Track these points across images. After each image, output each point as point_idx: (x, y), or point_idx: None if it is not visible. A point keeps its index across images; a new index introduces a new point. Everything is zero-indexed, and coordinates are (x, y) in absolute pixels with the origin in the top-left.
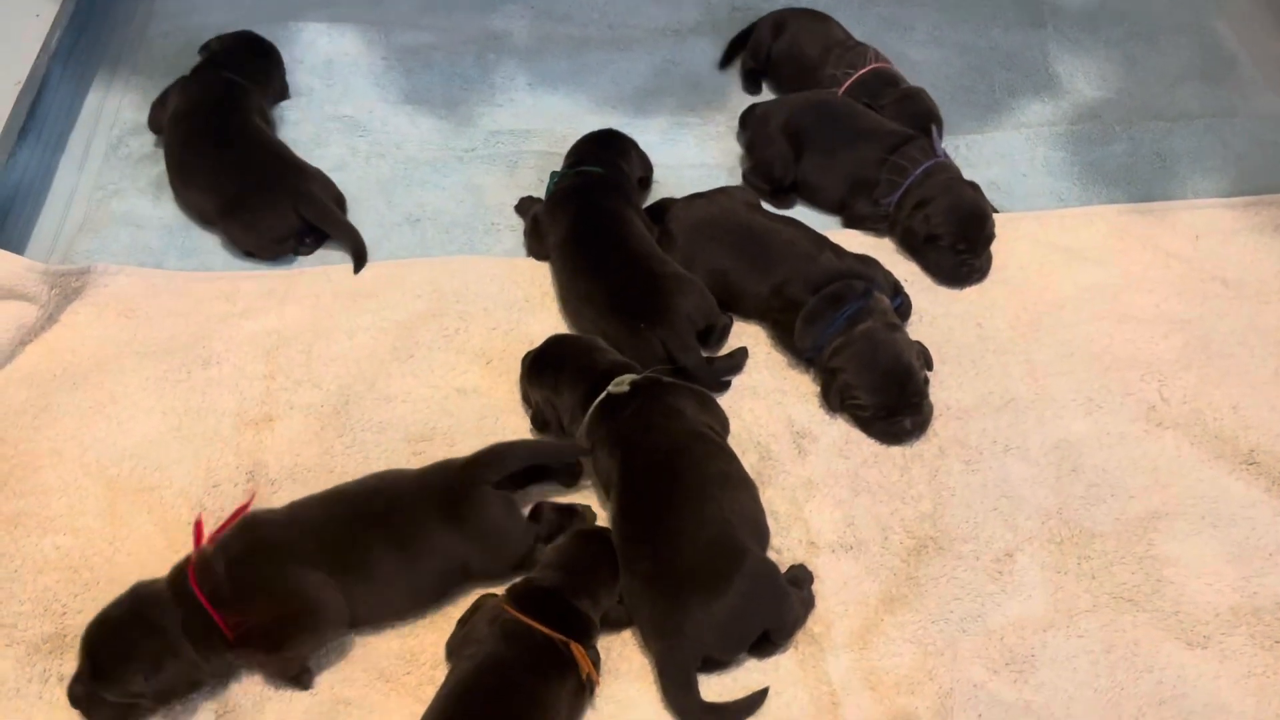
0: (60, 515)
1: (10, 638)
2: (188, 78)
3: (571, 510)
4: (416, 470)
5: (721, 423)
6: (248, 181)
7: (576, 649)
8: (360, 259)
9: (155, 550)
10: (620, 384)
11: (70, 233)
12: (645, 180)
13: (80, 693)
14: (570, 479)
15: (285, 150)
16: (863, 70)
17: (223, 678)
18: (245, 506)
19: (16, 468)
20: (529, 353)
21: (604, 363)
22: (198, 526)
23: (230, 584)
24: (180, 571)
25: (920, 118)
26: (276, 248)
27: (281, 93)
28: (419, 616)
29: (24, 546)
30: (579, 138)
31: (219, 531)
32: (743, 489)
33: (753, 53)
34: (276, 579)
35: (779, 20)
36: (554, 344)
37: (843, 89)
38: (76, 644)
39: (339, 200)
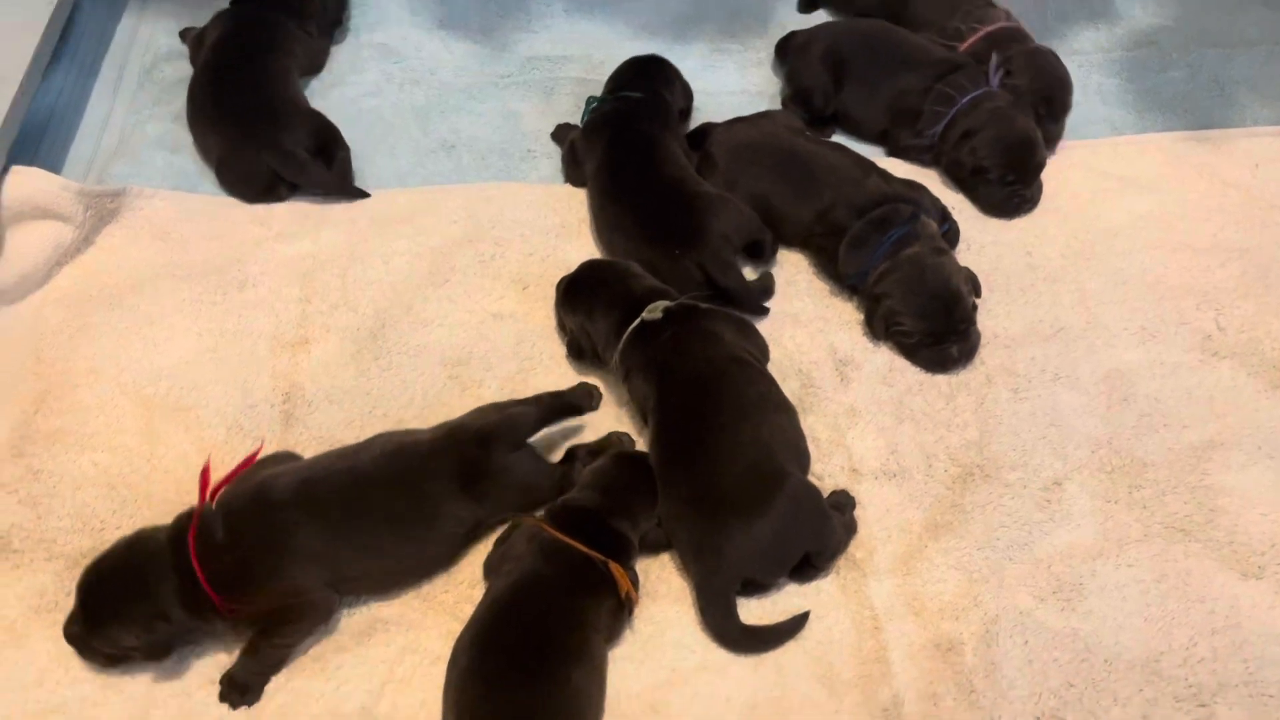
0: (98, 433)
1: (50, 552)
2: (224, 12)
3: (605, 445)
4: (427, 442)
5: (760, 348)
6: (229, 135)
7: (615, 568)
8: (350, 195)
9: (192, 468)
10: (654, 310)
11: (104, 158)
12: (685, 111)
13: (75, 633)
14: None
15: (282, 95)
16: (990, 27)
17: (219, 638)
18: (252, 458)
19: (54, 386)
20: (564, 278)
21: (639, 289)
22: (204, 475)
23: (232, 567)
24: (181, 534)
25: (1047, 79)
26: (264, 197)
27: (335, 18)
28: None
29: (62, 463)
30: (620, 62)
31: (224, 483)
32: (783, 413)
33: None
34: (277, 572)
35: None
36: (588, 270)
37: (965, 45)
38: None
39: (327, 144)
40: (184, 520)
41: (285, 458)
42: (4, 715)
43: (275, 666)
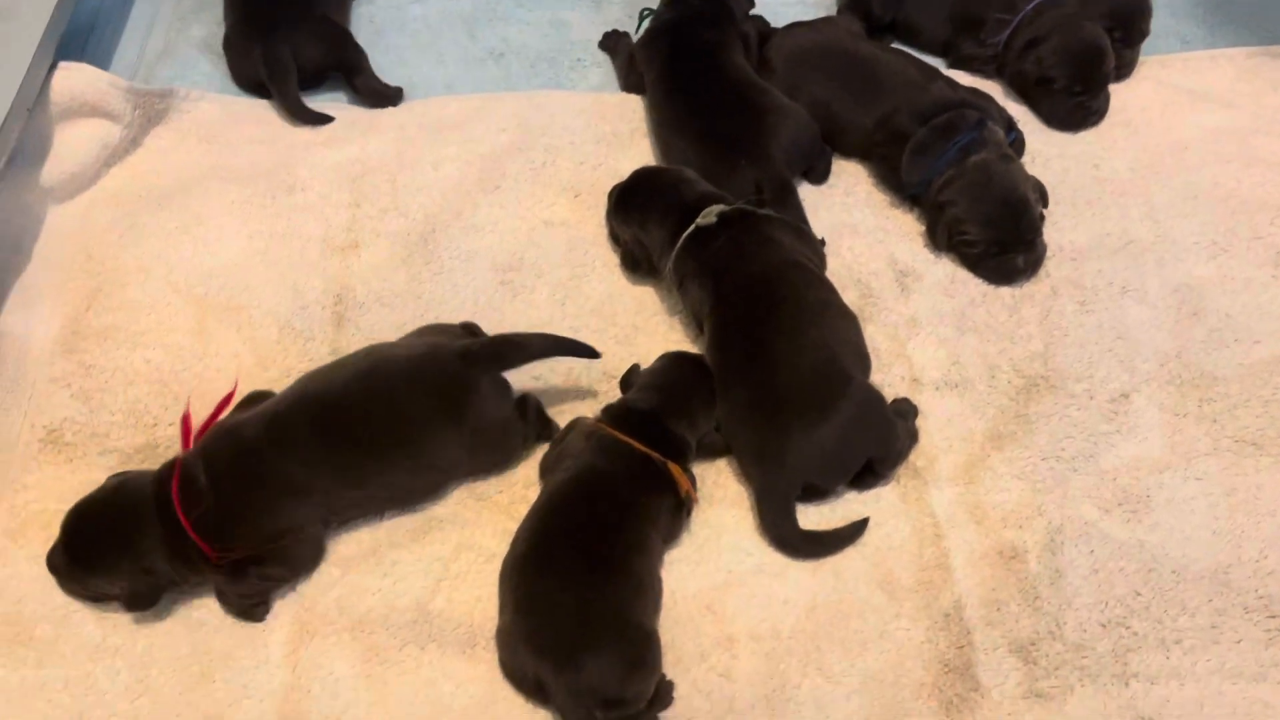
0: (149, 330)
1: (103, 446)
2: None
3: (593, 350)
4: (407, 358)
5: (818, 254)
6: (238, 16)
7: (674, 468)
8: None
9: (244, 367)
10: (708, 215)
11: (150, 60)
12: (745, 17)
13: (58, 564)
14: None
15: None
16: None
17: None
18: (228, 399)
19: (104, 284)
20: (615, 187)
21: (692, 195)
22: (185, 421)
23: (217, 514)
24: (164, 484)
25: (1119, 3)
26: (253, 90)
27: None
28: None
29: (114, 359)
30: None
31: (204, 428)
32: (844, 317)
33: None
34: (261, 514)
35: None
36: (640, 178)
37: None
38: (167, 454)
39: (332, 61)
40: (167, 469)
41: (262, 397)
42: (50, 605)
43: (250, 595)
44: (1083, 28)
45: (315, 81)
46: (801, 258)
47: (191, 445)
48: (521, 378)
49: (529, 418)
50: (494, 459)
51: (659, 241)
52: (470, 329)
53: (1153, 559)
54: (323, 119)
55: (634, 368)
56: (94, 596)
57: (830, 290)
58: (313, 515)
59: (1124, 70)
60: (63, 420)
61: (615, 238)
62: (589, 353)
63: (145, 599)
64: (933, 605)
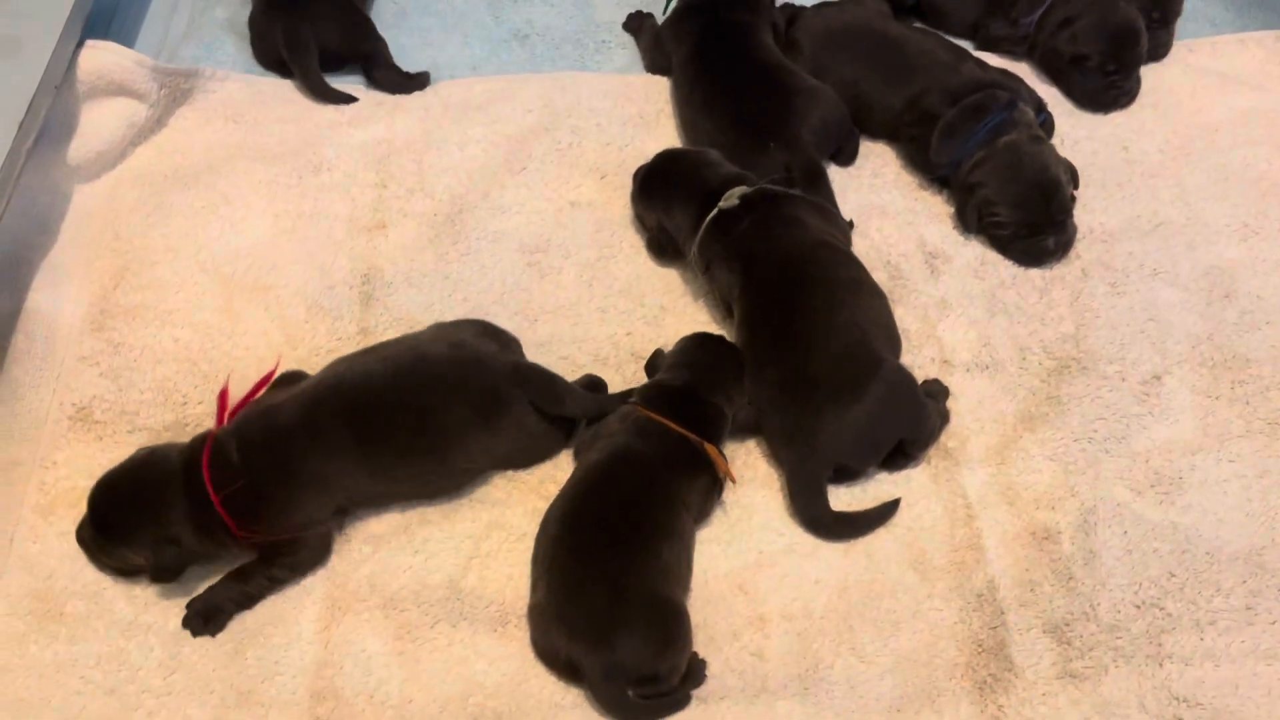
0: (178, 309)
1: (133, 424)
2: None
3: (593, 384)
4: (449, 362)
5: (844, 232)
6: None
7: (711, 449)
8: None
9: (273, 345)
10: (730, 198)
11: (175, 40)
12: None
13: (85, 537)
14: None
15: None
16: None
17: (233, 563)
18: (268, 378)
19: (132, 263)
20: (639, 169)
21: (715, 178)
22: (222, 396)
23: (246, 492)
24: (195, 457)
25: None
26: (274, 68)
27: None
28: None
29: (143, 337)
30: None
31: (240, 405)
32: (874, 296)
33: None
34: (289, 500)
35: None
36: (663, 161)
37: None
38: (197, 432)
39: (351, 47)
40: (198, 443)
41: (297, 377)
42: (82, 582)
43: (254, 599)
44: (1118, 6)
45: (337, 65)
46: (829, 237)
47: (225, 422)
48: (549, 357)
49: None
50: (531, 461)
51: (684, 226)
52: (490, 331)
53: (1186, 540)
54: (346, 98)
55: (657, 352)
56: (122, 569)
57: (860, 268)
58: (333, 505)
59: (1160, 50)
60: (92, 398)
61: (641, 220)
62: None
63: (170, 571)
64: (965, 586)
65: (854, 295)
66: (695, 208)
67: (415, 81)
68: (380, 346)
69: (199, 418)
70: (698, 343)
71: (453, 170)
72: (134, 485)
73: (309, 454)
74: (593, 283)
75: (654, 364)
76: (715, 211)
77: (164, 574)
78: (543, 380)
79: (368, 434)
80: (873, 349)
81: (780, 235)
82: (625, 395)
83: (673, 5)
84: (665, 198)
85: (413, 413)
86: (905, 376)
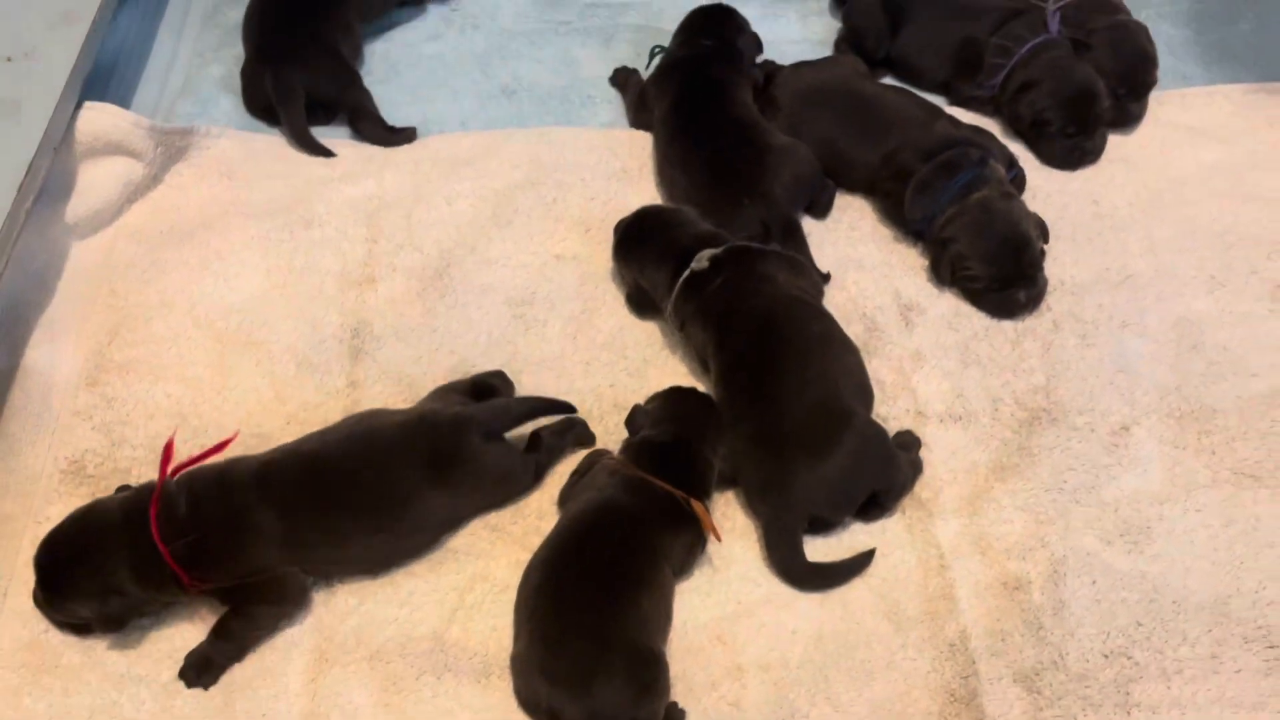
0: (170, 365)
1: (124, 479)
2: None
3: (569, 425)
4: (401, 425)
5: (815, 286)
6: (253, 45)
7: (698, 506)
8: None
9: (263, 401)
10: (700, 260)
11: (170, 98)
12: (754, 61)
13: (36, 596)
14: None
15: (319, 30)
16: None
17: (178, 611)
18: (226, 443)
19: (127, 318)
20: (619, 223)
21: (687, 238)
22: (167, 449)
23: (194, 543)
24: (139, 508)
25: (1128, 57)
26: (261, 115)
27: None
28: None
29: (136, 392)
30: (689, 10)
31: (190, 463)
32: (845, 350)
33: None
34: (238, 552)
35: None
36: (638, 220)
37: (1059, 3)
38: None
39: (338, 95)
40: (144, 494)
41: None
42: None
43: (243, 651)
44: (1074, 71)
45: (326, 115)
46: (799, 291)
47: (169, 475)
48: None
49: (543, 449)
50: (495, 504)
51: (659, 284)
52: (479, 385)
53: (1154, 589)
54: (326, 152)
55: (636, 409)
56: (73, 624)
57: (830, 323)
58: (288, 559)
59: (1128, 121)
60: (84, 452)
61: (621, 275)
62: (566, 408)
63: (116, 621)
64: (938, 635)
65: (824, 350)
66: (669, 267)
67: (400, 135)
68: (343, 420)
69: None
70: (679, 397)
71: (441, 224)
72: (74, 541)
73: (261, 509)
74: (577, 335)
75: (634, 420)
76: (687, 273)
77: (110, 624)
78: (488, 412)
79: (320, 494)
80: (844, 402)
81: (751, 293)
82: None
83: (656, 61)
84: (640, 257)
85: (365, 472)
86: (876, 429)
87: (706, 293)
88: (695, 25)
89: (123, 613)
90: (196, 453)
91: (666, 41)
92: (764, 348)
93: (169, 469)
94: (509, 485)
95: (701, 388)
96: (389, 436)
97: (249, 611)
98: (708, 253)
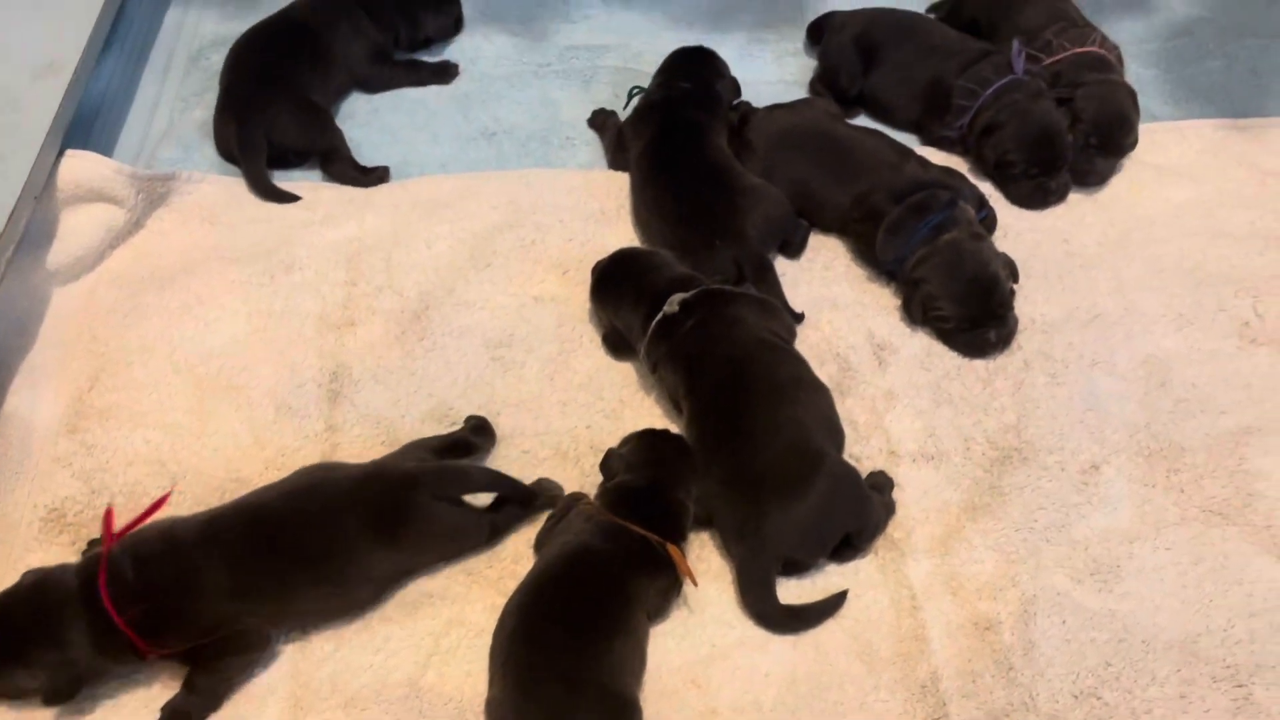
0: (150, 411)
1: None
2: None
3: (532, 492)
4: (350, 480)
5: (786, 328)
6: (224, 88)
7: (674, 551)
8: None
9: (242, 447)
10: (671, 304)
11: (154, 143)
12: (732, 104)
13: None
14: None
15: (293, 81)
16: (1078, 50)
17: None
18: (161, 502)
19: (108, 364)
20: (595, 266)
21: (662, 281)
22: (108, 517)
23: (147, 609)
24: (91, 578)
25: (1106, 117)
26: (229, 159)
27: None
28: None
29: (115, 439)
30: (669, 52)
31: (131, 526)
32: (815, 392)
33: (957, 4)
34: (192, 612)
35: None
36: (615, 262)
37: (1049, 61)
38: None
39: (309, 145)
40: (92, 564)
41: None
42: None
43: (218, 700)
44: (1036, 112)
45: (300, 159)
46: (768, 334)
47: (114, 543)
48: (511, 451)
49: (502, 512)
50: (448, 558)
51: (633, 326)
52: (457, 443)
53: (1123, 629)
54: (291, 197)
55: (610, 453)
56: (15, 694)
57: (800, 364)
58: (242, 613)
59: (1093, 178)
60: (64, 499)
61: (599, 316)
62: (527, 496)
63: (64, 692)
64: (910, 677)
65: (795, 392)
66: (643, 310)
67: (373, 176)
68: (294, 473)
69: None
70: (653, 441)
71: (420, 267)
72: (27, 610)
73: (208, 565)
74: (554, 377)
75: (609, 465)
76: (660, 316)
77: (58, 696)
78: (438, 473)
79: (265, 547)
80: (814, 444)
81: (721, 336)
82: (529, 495)
83: (634, 102)
84: (615, 299)
85: (309, 524)
86: (849, 471)
87: (678, 336)
88: (674, 68)
89: (72, 684)
90: (107, 514)
91: (645, 83)
92: (734, 391)
93: (111, 536)
94: (459, 542)
95: (675, 429)
96: (335, 490)
97: (214, 666)
98: (678, 296)
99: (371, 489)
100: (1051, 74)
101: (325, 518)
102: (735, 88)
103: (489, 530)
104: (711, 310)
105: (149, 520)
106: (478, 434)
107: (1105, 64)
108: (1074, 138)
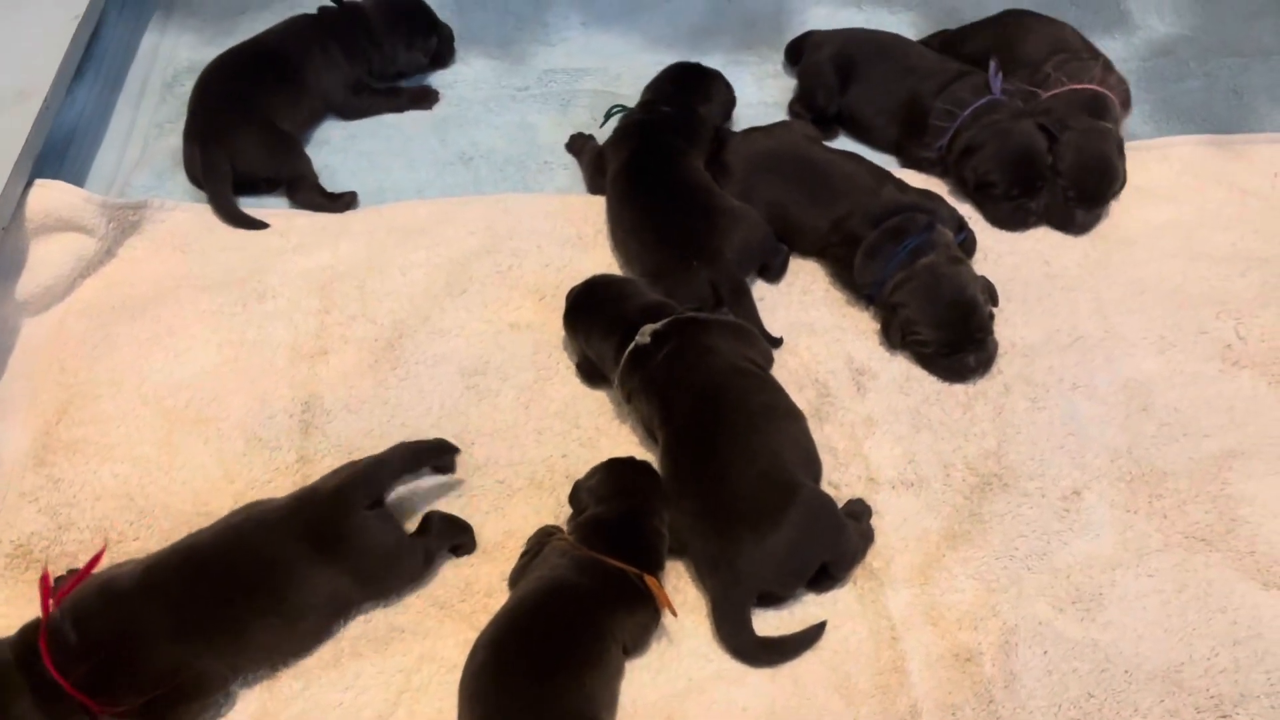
0: (118, 444)
1: (72, 563)
2: (301, 17)
3: (464, 524)
4: (282, 505)
5: (762, 354)
6: (192, 113)
7: (652, 582)
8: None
9: (211, 480)
10: (643, 335)
11: (127, 169)
12: (722, 124)
13: None
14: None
15: (260, 110)
16: (1075, 86)
17: None
18: (96, 559)
19: (76, 396)
20: (571, 290)
21: (632, 310)
22: (44, 581)
23: (94, 668)
24: (29, 647)
25: (1084, 168)
26: (196, 184)
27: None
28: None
29: (82, 473)
30: (668, 67)
31: (70, 587)
32: (790, 419)
33: (956, 36)
34: (140, 664)
35: (1002, 23)
36: (586, 290)
37: (1046, 94)
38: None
39: (276, 173)
40: (30, 632)
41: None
42: None
43: None
44: (1015, 133)
45: (270, 186)
46: (742, 361)
47: (51, 608)
48: (485, 480)
49: (432, 533)
50: (391, 585)
51: (605, 356)
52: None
53: (1105, 659)
54: (259, 224)
55: (577, 486)
56: None
57: (775, 391)
58: (194, 656)
59: (1074, 229)
60: (30, 535)
61: (572, 344)
62: (448, 449)
63: None
64: (889, 710)
65: (768, 421)
66: (614, 341)
67: (341, 202)
68: (229, 513)
69: (134, 554)
70: (620, 471)
71: (394, 294)
72: None
73: (148, 613)
74: (530, 405)
75: (578, 498)
76: (631, 347)
77: None
78: (361, 477)
79: (204, 586)
80: (789, 474)
81: (694, 366)
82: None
83: (612, 123)
84: (587, 328)
85: (244, 557)
86: (824, 500)
87: (650, 367)
88: (661, 89)
89: None
90: (43, 578)
91: (623, 100)
92: (708, 421)
93: (48, 602)
94: (396, 565)
95: (651, 458)
96: (268, 517)
97: (173, 714)
98: (650, 327)
99: (304, 510)
100: (1042, 110)
101: (261, 544)
102: (727, 109)
103: (424, 555)
104: (683, 340)
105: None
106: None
107: (1101, 104)
108: (1054, 189)
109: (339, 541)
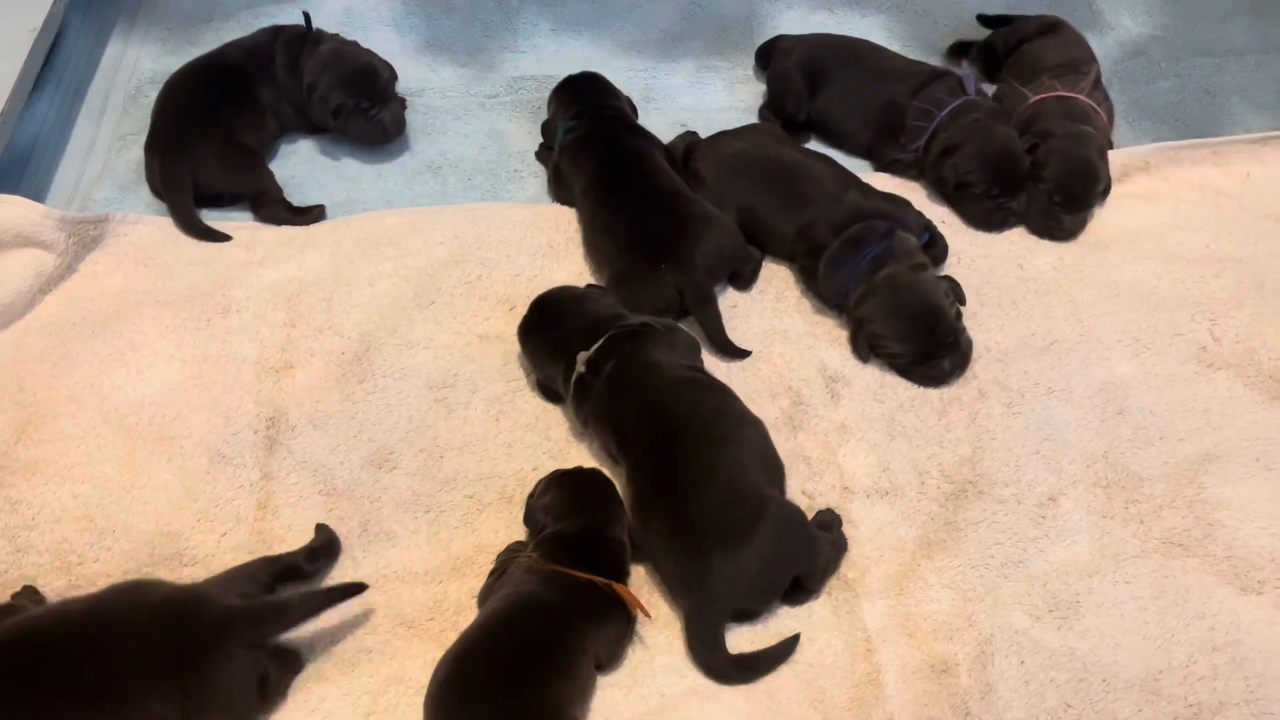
0: (78, 464)
1: (32, 587)
2: (273, 29)
3: (294, 653)
4: (153, 611)
5: (690, 353)
6: (155, 124)
7: (621, 589)
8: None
9: (173, 500)
10: (579, 365)
11: (89, 183)
12: None
13: None
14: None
15: (222, 124)
16: (1062, 93)
17: None
18: None
19: (35, 415)
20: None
21: (575, 333)
22: None
23: None
24: None
25: (1067, 174)
26: (158, 199)
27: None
28: None
29: (42, 494)
30: (559, 84)
31: None
32: (744, 425)
33: (1001, 39)
34: None
35: (1045, 24)
36: (532, 313)
37: (1035, 98)
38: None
39: (239, 189)
40: None
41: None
42: None
43: None
44: (994, 133)
45: (231, 200)
46: (685, 370)
47: None
48: (455, 496)
49: (268, 695)
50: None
51: (555, 380)
52: (289, 569)
53: (1083, 668)
54: (222, 236)
55: (530, 505)
56: None
57: (726, 396)
58: None
59: (1060, 234)
60: None
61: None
62: (356, 591)
63: None
64: None
65: (722, 428)
66: (560, 366)
67: (308, 216)
68: (106, 589)
69: (94, 577)
70: (573, 484)
71: (362, 307)
72: None
73: None
74: (500, 417)
75: (534, 518)
76: (574, 377)
77: None
78: (260, 614)
79: (34, 679)
80: (754, 486)
81: (635, 388)
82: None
83: (562, 138)
84: (533, 353)
85: (89, 666)
86: (793, 513)
87: (595, 396)
88: (585, 97)
89: None
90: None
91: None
92: (662, 443)
93: None
94: (236, 711)
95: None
96: (134, 623)
97: None
98: (584, 355)
99: (176, 629)
100: (1029, 115)
101: (110, 657)
102: (632, 107)
103: (255, 700)
104: (620, 359)
105: None
106: (312, 559)
107: (1084, 111)
108: (1037, 195)
109: (199, 682)
